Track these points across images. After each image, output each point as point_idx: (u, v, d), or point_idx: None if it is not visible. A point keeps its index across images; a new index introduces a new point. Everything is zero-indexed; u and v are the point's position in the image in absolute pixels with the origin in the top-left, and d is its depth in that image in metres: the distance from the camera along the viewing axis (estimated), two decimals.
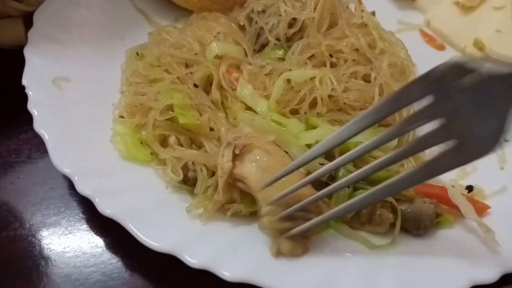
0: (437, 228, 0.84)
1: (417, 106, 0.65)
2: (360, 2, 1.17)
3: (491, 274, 0.77)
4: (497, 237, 0.81)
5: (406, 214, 0.82)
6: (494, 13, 1.16)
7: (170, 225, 0.78)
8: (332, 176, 0.82)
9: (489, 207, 0.86)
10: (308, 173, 0.78)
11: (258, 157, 0.80)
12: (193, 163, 0.84)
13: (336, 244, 0.81)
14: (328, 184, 0.76)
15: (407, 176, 0.69)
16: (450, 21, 1.18)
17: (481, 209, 0.85)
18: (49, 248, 0.84)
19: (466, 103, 0.61)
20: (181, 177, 0.83)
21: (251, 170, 0.79)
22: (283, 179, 0.75)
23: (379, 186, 0.71)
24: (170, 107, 0.88)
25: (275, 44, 0.98)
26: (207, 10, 1.09)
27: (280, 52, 0.97)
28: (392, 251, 0.80)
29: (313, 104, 0.89)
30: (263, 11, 1.01)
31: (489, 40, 1.12)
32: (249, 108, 0.90)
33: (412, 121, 0.66)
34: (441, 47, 1.17)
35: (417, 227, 0.82)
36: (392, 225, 0.82)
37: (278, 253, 0.77)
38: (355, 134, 0.68)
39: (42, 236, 0.85)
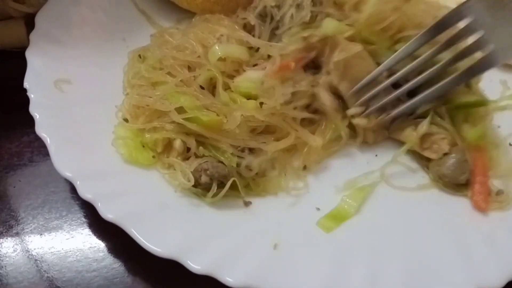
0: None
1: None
2: None
3: (497, 280, 0.76)
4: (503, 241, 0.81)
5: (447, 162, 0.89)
6: None
7: (173, 230, 0.77)
8: None
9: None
10: None
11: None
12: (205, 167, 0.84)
13: (339, 246, 0.80)
14: None
15: (456, 76, 0.88)
16: None
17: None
18: (51, 252, 0.84)
19: (498, 18, 0.84)
20: (192, 182, 0.83)
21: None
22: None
23: (435, 87, 0.88)
24: (179, 110, 0.87)
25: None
26: (209, 12, 1.09)
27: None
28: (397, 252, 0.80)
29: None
30: (277, 6, 1.00)
31: None
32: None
33: (457, 36, 0.86)
34: None
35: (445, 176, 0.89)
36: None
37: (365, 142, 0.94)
38: (416, 50, 0.89)
39: (44, 240, 0.85)
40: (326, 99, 0.92)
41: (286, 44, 0.94)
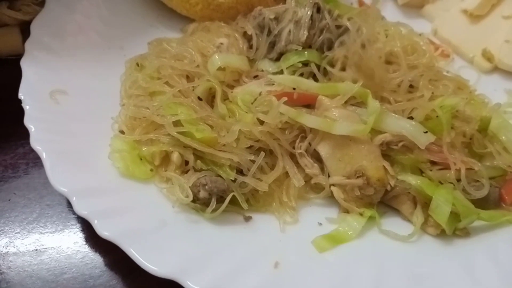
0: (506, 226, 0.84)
1: None
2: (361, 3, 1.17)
3: None
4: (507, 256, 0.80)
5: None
6: (503, 22, 1.14)
7: (171, 248, 0.75)
8: None
9: None
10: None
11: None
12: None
13: (342, 264, 0.79)
14: None
15: None
16: (458, 30, 1.15)
17: None
18: (47, 268, 0.82)
19: None
20: (191, 197, 0.81)
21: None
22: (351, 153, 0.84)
23: None
24: (175, 123, 0.85)
25: (296, 50, 0.96)
26: (209, 19, 1.07)
27: (304, 54, 0.95)
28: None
29: None
30: (276, 18, 0.98)
31: (498, 50, 1.10)
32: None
33: None
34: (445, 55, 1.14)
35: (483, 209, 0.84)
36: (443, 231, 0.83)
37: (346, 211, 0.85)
38: None
39: (39, 257, 0.83)
40: (305, 165, 0.88)
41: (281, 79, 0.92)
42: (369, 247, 0.81)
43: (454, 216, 0.81)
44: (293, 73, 0.94)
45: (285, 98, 0.86)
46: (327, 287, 0.75)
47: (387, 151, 0.87)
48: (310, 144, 0.87)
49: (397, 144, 0.86)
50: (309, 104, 0.90)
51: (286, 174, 0.87)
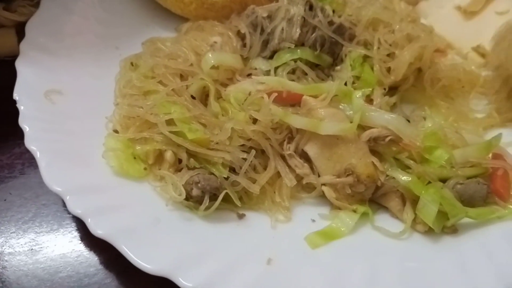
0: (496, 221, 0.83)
1: None
2: None
3: None
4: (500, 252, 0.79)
5: (461, 193, 0.83)
6: (497, 18, 1.13)
7: (164, 246, 0.76)
8: None
9: None
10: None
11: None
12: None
13: (335, 260, 0.79)
14: None
15: None
16: (453, 26, 1.15)
17: None
18: (42, 267, 0.82)
19: None
20: (183, 196, 0.81)
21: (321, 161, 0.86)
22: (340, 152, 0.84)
23: None
24: (168, 122, 0.85)
25: (289, 47, 0.96)
26: (203, 18, 1.08)
27: (297, 52, 0.95)
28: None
29: None
30: (269, 17, 0.99)
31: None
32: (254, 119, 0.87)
33: None
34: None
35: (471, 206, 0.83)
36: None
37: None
38: None
39: (35, 256, 0.84)
40: (295, 166, 0.88)
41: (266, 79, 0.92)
42: (362, 243, 0.81)
43: (442, 215, 0.81)
44: (285, 70, 0.94)
45: (276, 94, 0.86)
46: (320, 283, 0.75)
47: (375, 147, 0.87)
48: (298, 144, 0.87)
49: (384, 139, 0.86)
50: (299, 102, 0.90)
51: (278, 173, 0.87)
